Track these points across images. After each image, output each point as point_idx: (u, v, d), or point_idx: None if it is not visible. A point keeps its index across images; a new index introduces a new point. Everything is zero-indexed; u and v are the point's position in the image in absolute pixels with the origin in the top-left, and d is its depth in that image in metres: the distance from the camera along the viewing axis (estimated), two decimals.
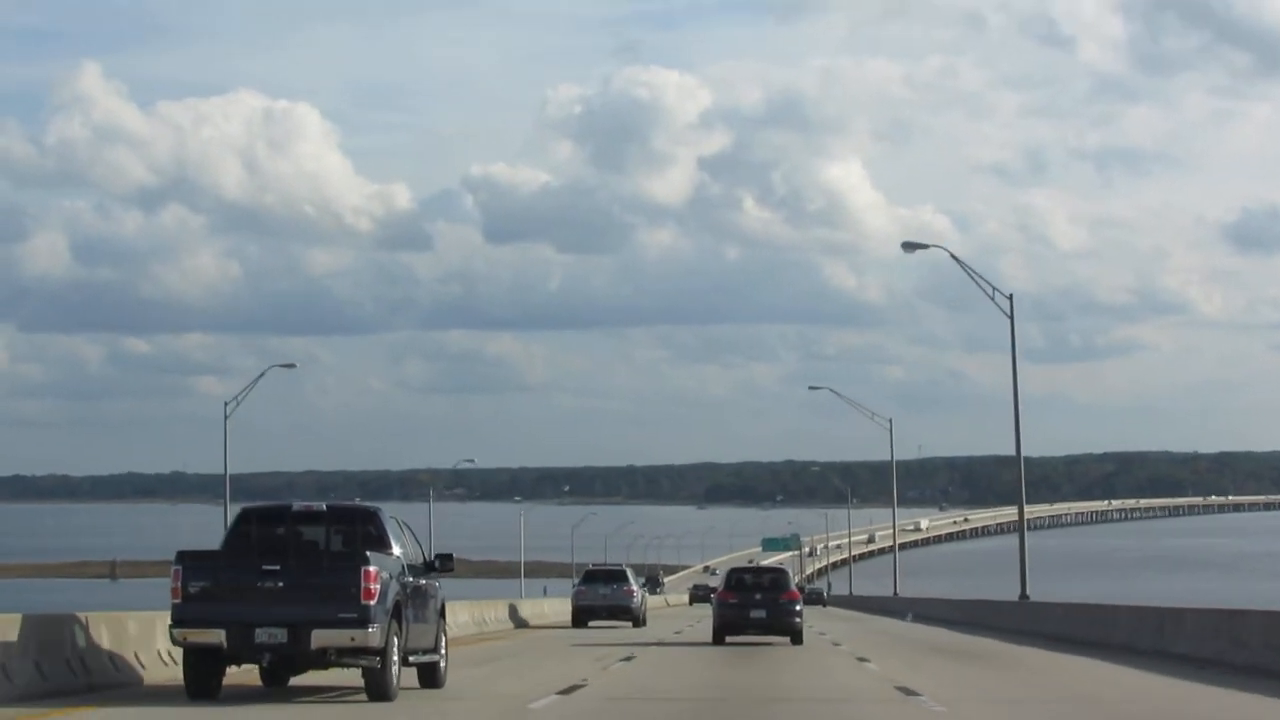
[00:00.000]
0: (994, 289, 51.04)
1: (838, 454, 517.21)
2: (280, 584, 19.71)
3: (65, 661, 21.99)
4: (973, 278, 50.30)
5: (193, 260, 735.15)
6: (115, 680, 22.89)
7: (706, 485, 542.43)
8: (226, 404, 72.46)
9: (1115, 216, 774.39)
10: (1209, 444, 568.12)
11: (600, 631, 50.48)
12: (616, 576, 57.67)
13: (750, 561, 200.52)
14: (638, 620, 55.99)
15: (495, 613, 54.44)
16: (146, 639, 24.34)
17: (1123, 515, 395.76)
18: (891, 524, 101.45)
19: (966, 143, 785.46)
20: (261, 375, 72.56)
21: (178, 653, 24.22)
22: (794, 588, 40.96)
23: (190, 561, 20.17)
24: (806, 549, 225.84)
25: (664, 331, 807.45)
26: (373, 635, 19.65)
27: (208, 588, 19.92)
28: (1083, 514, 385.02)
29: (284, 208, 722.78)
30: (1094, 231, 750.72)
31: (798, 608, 39.76)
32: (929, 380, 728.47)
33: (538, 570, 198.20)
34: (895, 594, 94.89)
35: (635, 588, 57.35)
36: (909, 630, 55.13)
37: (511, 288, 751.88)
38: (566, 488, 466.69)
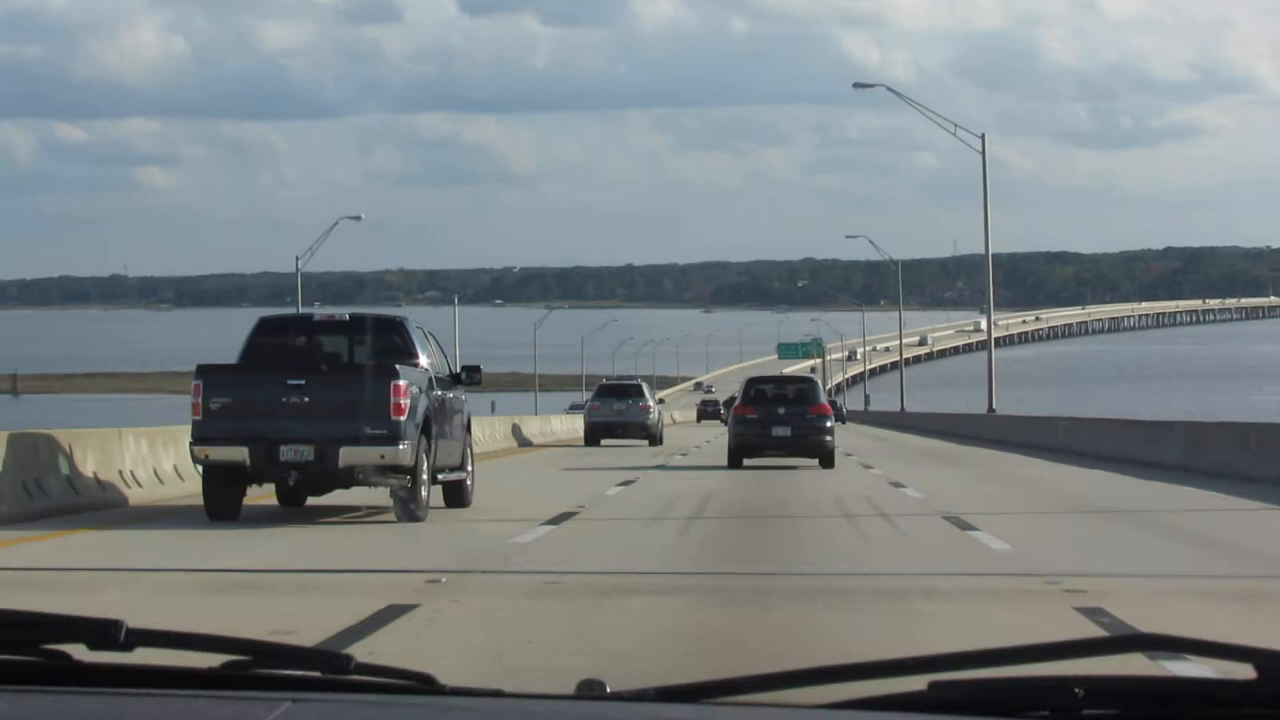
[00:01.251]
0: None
1: (862, 252, 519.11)
2: (306, 399, 20.88)
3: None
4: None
5: (131, 35, 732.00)
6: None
7: (714, 286, 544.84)
8: None
9: None
10: (1267, 237, 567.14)
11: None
12: (631, 391, 60.82)
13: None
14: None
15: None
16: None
17: (1193, 318, 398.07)
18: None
19: None
20: None
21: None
22: (824, 400, 39.99)
23: (211, 376, 21.43)
24: (845, 354, 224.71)
25: (665, 114, 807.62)
26: (403, 453, 20.82)
27: (229, 404, 21.11)
28: (1145, 316, 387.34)
29: None
30: None
31: (829, 424, 38.61)
32: (963, 168, 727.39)
33: (507, 383, 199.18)
34: (991, 409, 68.38)
35: (651, 403, 60.53)
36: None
37: (492, 65, 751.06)
38: (516, 267, 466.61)
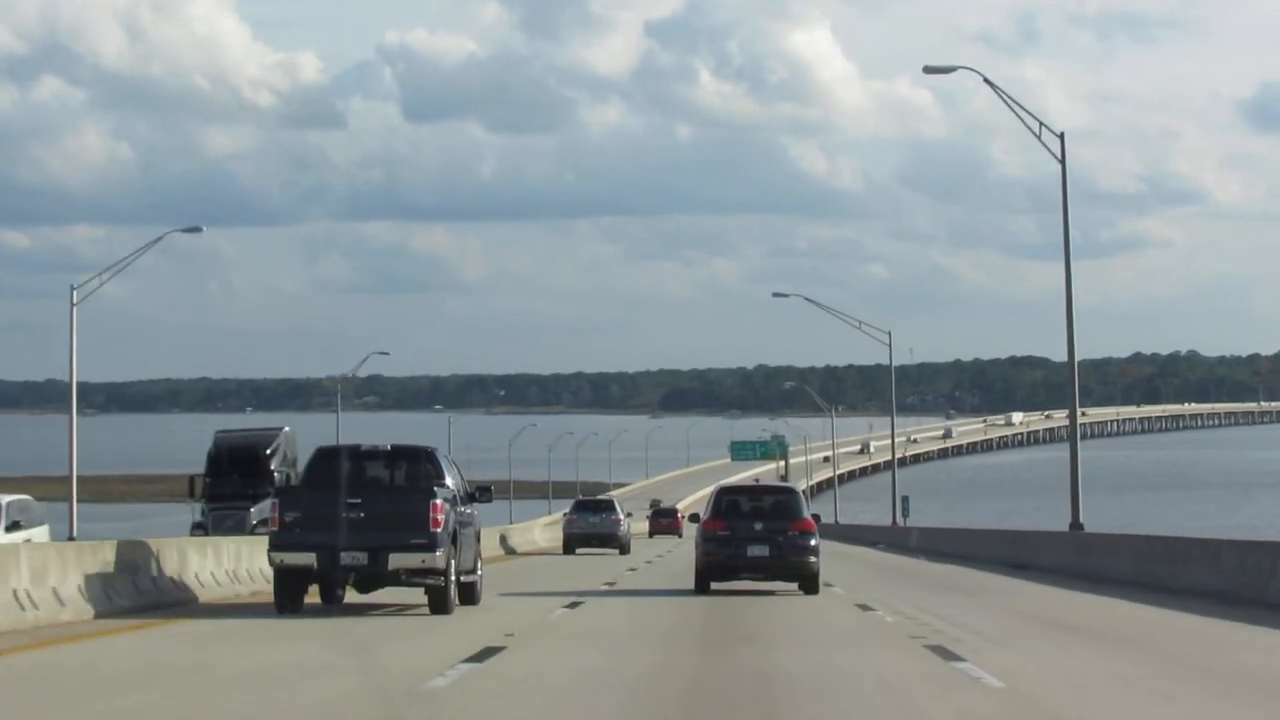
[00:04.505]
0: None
1: (818, 357, 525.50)
2: (362, 514, 28.04)
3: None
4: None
5: (75, 141, 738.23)
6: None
7: (664, 392, 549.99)
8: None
9: (1119, 92, 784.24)
10: (1227, 346, 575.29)
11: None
12: (605, 506, 73.18)
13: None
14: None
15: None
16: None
17: (1176, 424, 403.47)
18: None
19: (950, 5, 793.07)
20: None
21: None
22: (808, 515, 36.77)
23: (285, 495, 29.08)
24: (858, 447, 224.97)
25: (612, 223, 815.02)
26: (439, 558, 28.16)
27: (300, 518, 28.20)
28: (1129, 420, 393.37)
29: (173, 79, 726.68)
30: (1095, 109, 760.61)
31: (813, 542, 35.78)
32: (914, 279, 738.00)
33: None
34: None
35: (622, 517, 72.09)
36: None
37: (439, 173, 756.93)
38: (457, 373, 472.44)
